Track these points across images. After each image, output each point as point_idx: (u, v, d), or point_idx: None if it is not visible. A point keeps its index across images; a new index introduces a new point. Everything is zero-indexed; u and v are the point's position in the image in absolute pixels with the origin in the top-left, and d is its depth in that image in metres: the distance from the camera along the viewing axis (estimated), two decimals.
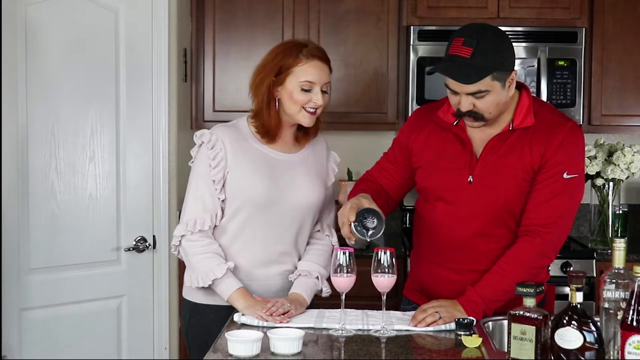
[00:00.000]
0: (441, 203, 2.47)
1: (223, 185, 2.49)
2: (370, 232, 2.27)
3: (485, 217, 2.42)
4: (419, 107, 2.67)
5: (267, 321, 2.29)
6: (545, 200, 2.36)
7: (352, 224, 2.27)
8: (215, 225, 2.53)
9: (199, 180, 2.51)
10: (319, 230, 2.63)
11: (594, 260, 3.62)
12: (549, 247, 2.40)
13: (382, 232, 2.29)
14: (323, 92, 2.46)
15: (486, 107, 2.32)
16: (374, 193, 2.51)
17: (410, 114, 3.80)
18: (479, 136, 2.43)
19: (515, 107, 2.40)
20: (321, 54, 2.47)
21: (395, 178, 2.60)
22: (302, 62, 2.44)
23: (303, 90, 2.44)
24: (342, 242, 2.63)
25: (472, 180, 2.41)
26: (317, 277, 2.52)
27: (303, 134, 2.57)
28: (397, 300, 3.35)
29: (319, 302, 2.61)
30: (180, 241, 2.51)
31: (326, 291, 2.54)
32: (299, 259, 2.58)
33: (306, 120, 2.48)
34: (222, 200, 2.51)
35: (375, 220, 2.26)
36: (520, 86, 2.43)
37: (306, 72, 2.44)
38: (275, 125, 2.50)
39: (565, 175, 2.36)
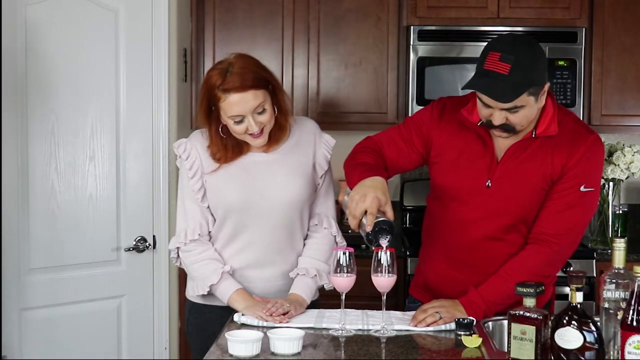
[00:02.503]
0: (455, 203, 2.45)
1: (205, 193, 2.51)
2: (377, 245, 2.23)
3: (499, 222, 2.40)
4: (442, 97, 2.56)
5: (267, 321, 2.29)
6: (559, 211, 2.35)
7: (366, 233, 2.20)
8: (209, 231, 2.54)
9: (183, 192, 2.55)
10: (316, 224, 2.59)
11: (594, 260, 3.63)
12: (557, 257, 2.39)
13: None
14: (259, 113, 2.39)
15: (519, 121, 2.28)
16: (382, 166, 2.44)
17: (410, 114, 3.81)
18: (501, 140, 2.38)
19: (539, 114, 2.36)
20: (238, 83, 2.35)
21: (404, 158, 2.51)
22: (221, 98, 2.38)
23: (236, 123, 2.40)
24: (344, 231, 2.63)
25: (490, 184, 2.39)
26: (316, 275, 2.51)
27: (272, 138, 2.50)
28: (397, 300, 3.36)
29: (319, 302, 2.62)
30: (177, 253, 2.54)
31: (328, 286, 2.52)
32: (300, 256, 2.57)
33: (254, 143, 2.46)
34: (208, 207, 2.52)
35: (388, 237, 2.18)
36: None
37: (230, 107, 2.37)
38: (226, 152, 2.48)
39: (582, 188, 2.33)
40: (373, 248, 2.22)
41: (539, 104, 2.30)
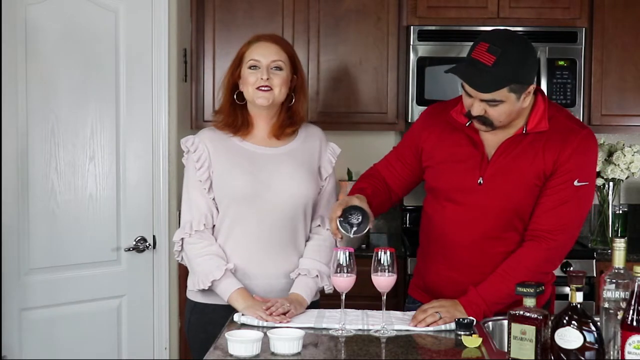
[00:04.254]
0: (450, 204, 2.46)
1: (211, 185, 2.53)
2: (354, 229, 2.29)
3: (495, 220, 2.41)
4: (430, 105, 2.62)
5: (267, 321, 2.29)
6: (553, 207, 2.35)
7: (338, 219, 2.30)
8: (214, 225, 2.54)
9: (189, 184, 2.57)
10: (319, 225, 2.61)
11: (594, 260, 3.63)
12: (555, 253, 2.39)
13: (366, 229, 2.31)
14: (276, 68, 2.52)
15: (497, 115, 2.29)
16: (374, 192, 2.51)
17: (410, 114, 3.82)
18: (491, 138, 2.40)
19: (529, 111, 2.37)
20: (268, 36, 2.58)
21: (401, 176, 2.59)
22: (249, 47, 2.55)
23: (251, 70, 2.52)
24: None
25: (482, 182, 2.40)
26: (317, 276, 2.52)
27: (279, 127, 2.57)
28: (397, 300, 3.36)
29: (319, 302, 2.62)
30: (182, 245, 2.54)
31: (328, 288, 2.53)
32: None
33: (259, 100, 2.52)
34: (214, 199, 2.54)
35: (360, 216, 2.28)
36: (535, 90, 2.38)
37: (252, 51, 2.54)
38: (229, 118, 2.56)
39: (575, 183, 2.34)
40: (352, 236, 2.30)
41: (522, 103, 2.31)
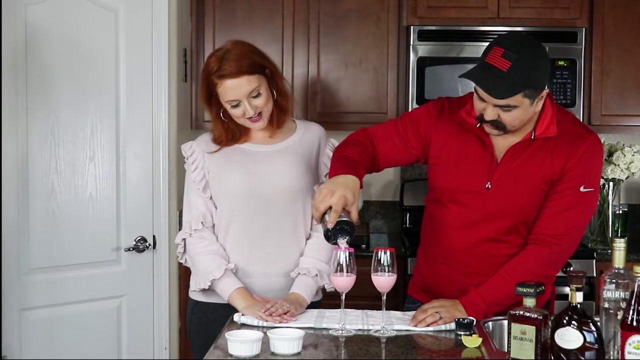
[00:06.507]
0: (455, 205, 2.44)
1: (207, 184, 2.55)
2: (334, 243, 2.24)
3: (499, 223, 2.40)
4: (439, 98, 2.55)
5: (267, 321, 2.29)
6: (559, 212, 2.35)
7: (327, 229, 2.21)
8: (213, 225, 2.56)
9: (188, 187, 2.60)
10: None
11: (594, 260, 3.63)
12: (557, 257, 2.39)
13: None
14: (255, 97, 2.47)
15: (510, 120, 2.28)
16: (363, 164, 2.42)
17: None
18: (500, 141, 2.39)
19: (538, 115, 2.36)
20: (232, 69, 2.43)
21: (397, 154, 2.50)
22: (218, 84, 2.47)
23: (233, 107, 2.48)
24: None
25: (490, 186, 2.39)
26: (317, 274, 2.52)
27: (276, 122, 2.57)
28: (397, 300, 3.35)
29: (321, 302, 2.62)
30: (184, 247, 2.56)
31: (329, 287, 2.53)
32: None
33: (253, 127, 2.54)
34: (211, 198, 2.56)
35: (347, 238, 2.21)
36: None
37: (225, 92, 2.47)
38: (227, 134, 2.55)
39: (581, 189, 2.33)
40: (333, 247, 2.24)
41: (535, 108, 2.30)
